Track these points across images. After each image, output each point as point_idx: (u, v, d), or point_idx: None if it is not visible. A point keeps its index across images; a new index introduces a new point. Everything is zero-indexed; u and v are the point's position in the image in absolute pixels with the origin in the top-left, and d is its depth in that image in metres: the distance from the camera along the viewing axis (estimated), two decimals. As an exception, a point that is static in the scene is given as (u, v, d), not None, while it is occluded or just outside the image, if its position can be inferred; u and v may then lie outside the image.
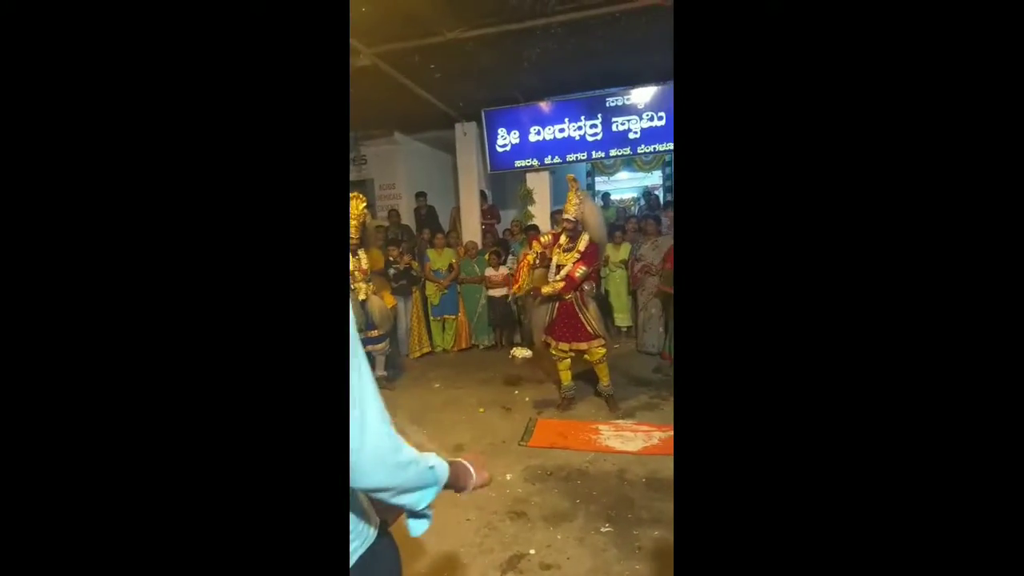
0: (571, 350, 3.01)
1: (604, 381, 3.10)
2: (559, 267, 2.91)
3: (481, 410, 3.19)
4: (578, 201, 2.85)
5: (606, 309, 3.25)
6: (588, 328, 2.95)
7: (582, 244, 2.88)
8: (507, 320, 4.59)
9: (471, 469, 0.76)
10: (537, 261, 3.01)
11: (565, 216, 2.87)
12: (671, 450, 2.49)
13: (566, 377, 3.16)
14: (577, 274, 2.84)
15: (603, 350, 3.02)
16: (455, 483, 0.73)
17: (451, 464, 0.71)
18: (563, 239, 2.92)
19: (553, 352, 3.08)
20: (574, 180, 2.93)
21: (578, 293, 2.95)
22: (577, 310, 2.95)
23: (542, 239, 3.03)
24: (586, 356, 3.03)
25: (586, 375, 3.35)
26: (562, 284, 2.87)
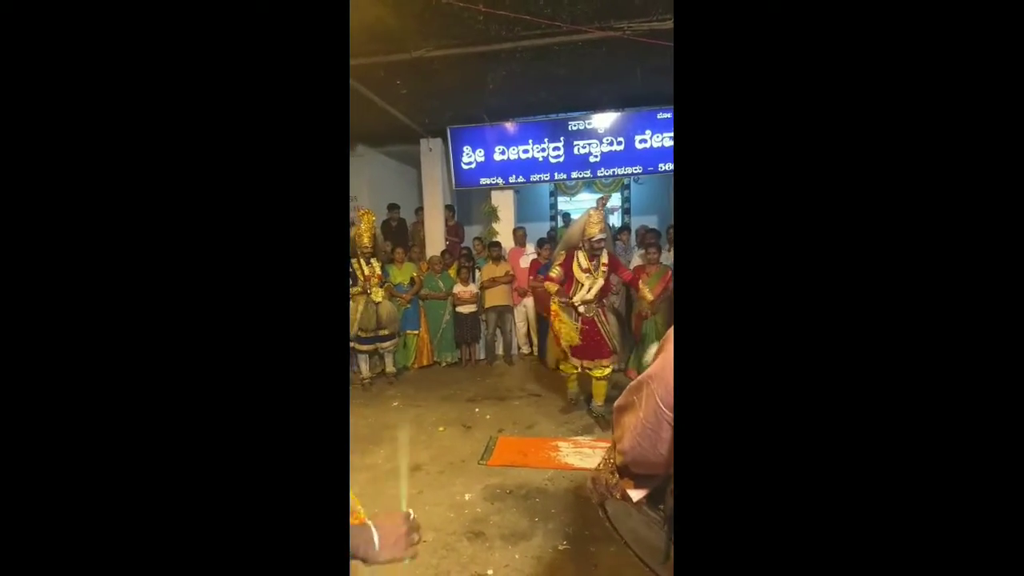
0: (589, 367, 3.03)
1: (599, 400, 3.11)
2: (591, 289, 2.95)
3: (441, 428, 3.15)
4: (601, 221, 2.92)
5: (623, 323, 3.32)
6: (609, 345, 3.00)
7: (605, 257, 2.96)
8: (474, 337, 4.57)
9: (375, 537, 0.61)
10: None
11: (588, 236, 2.89)
12: (628, 466, 2.54)
13: (574, 385, 3.23)
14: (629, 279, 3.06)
15: (610, 368, 3.05)
16: (354, 552, 0.59)
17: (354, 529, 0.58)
18: (583, 260, 2.94)
19: (565, 369, 3.12)
20: (602, 201, 2.98)
21: (600, 309, 2.99)
22: (600, 327, 2.98)
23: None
24: (590, 371, 3.03)
25: (552, 388, 3.37)
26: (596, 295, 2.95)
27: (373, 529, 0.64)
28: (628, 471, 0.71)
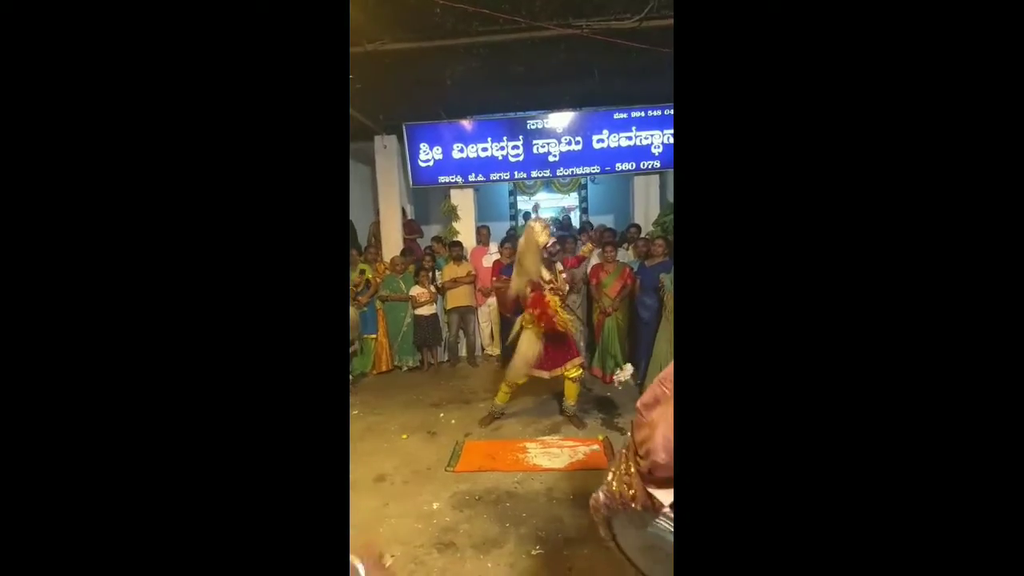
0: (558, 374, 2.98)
1: (572, 400, 3.07)
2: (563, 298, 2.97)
3: (404, 436, 3.04)
4: (546, 227, 2.91)
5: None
6: (576, 346, 3.03)
7: (560, 264, 3.01)
8: (434, 340, 4.45)
9: (359, 569, 0.66)
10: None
11: (543, 245, 2.77)
12: (597, 464, 2.54)
13: (504, 398, 3.12)
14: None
15: (581, 368, 3.05)
16: None
17: None
18: (544, 276, 2.87)
19: (513, 380, 3.00)
20: (536, 211, 2.99)
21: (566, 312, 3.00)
22: (564, 331, 2.94)
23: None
24: (565, 373, 2.98)
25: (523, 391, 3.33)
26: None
27: (360, 567, 0.66)
28: (655, 474, 0.68)
